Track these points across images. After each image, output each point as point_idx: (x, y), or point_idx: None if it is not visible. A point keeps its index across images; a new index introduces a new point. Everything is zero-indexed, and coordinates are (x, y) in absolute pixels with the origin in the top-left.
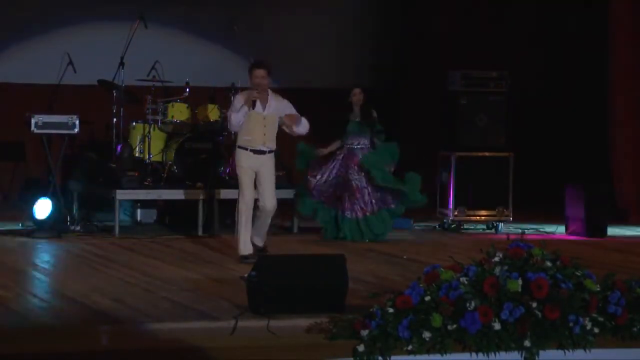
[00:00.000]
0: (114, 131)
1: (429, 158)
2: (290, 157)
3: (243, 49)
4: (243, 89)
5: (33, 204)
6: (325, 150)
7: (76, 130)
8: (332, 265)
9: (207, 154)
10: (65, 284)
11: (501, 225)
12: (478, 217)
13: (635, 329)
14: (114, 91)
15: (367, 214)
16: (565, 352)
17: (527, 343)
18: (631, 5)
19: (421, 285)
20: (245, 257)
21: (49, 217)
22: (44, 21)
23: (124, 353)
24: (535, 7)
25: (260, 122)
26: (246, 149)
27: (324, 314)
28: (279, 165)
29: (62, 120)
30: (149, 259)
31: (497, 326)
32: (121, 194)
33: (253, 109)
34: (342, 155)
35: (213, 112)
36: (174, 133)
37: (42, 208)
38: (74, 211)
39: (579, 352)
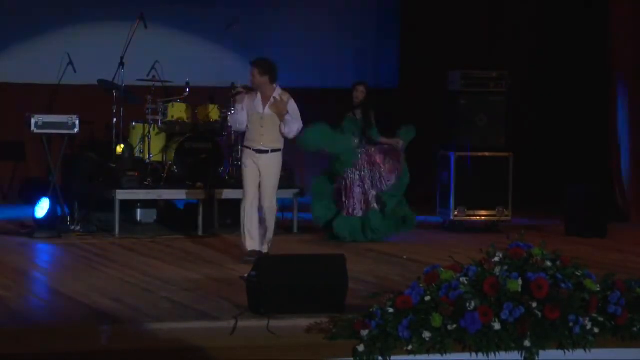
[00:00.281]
0: (114, 131)
1: (429, 158)
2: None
3: (243, 49)
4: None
5: (33, 204)
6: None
7: (76, 130)
8: (332, 265)
9: (207, 154)
10: (65, 284)
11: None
12: (478, 217)
13: (635, 329)
14: (113, 91)
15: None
16: (565, 352)
17: (527, 343)
18: (631, 5)
19: (421, 285)
20: (247, 256)
21: (49, 217)
22: (44, 21)
23: (124, 353)
24: (535, 7)
25: (258, 121)
26: (249, 148)
27: (324, 314)
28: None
29: (62, 120)
30: (149, 259)
31: (497, 326)
32: (121, 194)
33: (253, 108)
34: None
35: (213, 112)
36: (174, 133)
37: (42, 208)
38: (74, 211)
39: (579, 352)
